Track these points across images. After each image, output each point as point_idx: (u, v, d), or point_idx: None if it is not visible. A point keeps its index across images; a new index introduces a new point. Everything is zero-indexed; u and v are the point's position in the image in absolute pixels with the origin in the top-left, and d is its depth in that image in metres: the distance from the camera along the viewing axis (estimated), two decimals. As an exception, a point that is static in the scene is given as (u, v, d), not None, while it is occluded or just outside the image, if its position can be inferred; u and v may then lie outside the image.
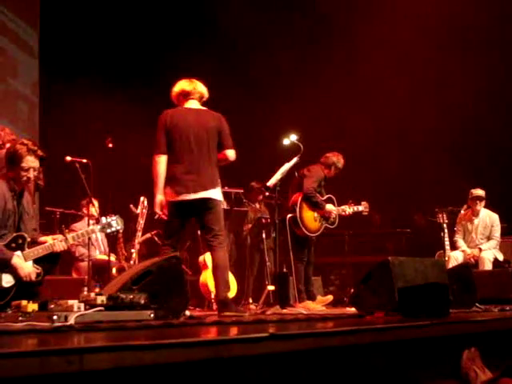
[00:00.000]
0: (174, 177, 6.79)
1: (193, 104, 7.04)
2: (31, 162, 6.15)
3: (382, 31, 12.92)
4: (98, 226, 6.71)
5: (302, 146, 8.72)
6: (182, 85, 7.08)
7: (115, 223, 6.69)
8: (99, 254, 10.05)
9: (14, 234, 6.09)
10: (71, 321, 4.91)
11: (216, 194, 6.87)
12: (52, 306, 5.22)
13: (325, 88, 12.88)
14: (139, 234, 9.75)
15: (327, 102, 12.97)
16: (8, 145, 7.78)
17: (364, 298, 6.65)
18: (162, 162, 6.82)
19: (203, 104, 7.14)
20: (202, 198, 6.77)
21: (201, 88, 7.08)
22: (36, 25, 13.58)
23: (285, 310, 8.01)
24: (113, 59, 13.18)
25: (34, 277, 6.02)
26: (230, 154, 6.97)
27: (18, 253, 6.02)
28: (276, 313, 7.72)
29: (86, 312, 5.21)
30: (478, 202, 10.72)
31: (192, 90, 7.02)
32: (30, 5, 13.61)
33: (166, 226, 7.00)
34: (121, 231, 8.49)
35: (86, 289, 8.14)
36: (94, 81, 12.40)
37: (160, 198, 6.88)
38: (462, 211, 11.01)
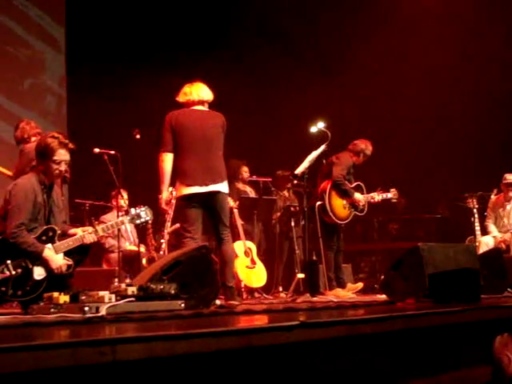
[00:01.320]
0: (184, 172, 6.93)
1: (197, 107, 7.14)
2: (63, 155, 6.16)
3: (411, 16, 12.84)
4: (128, 217, 6.72)
5: (329, 134, 8.68)
6: (183, 90, 7.20)
7: (144, 214, 6.70)
8: (129, 244, 10.09)
9: (45, 227, 6.11)
10: (103, 312, 4.94)
11: (224, 187, 7.02)
12: (83, 297, 5.25)
13: (352, 74, 12.82)
14: (168, 224, 9.77)
15: (354, 88, 12.92)
16: (33, 138, 7.84)
17: (394, 285, 6.64)
18: (168, 159, 6.99)
19: (209, 106, 7.24)
20: (211, 191, 6.90)
21: (202, 93, 7.13)
22: (62, 19, 13.64)
23: (315, 298, 8.01)
24: (139, 51, 13.18)
25: (65, 269, 6.05)
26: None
27: (49, 245, 6.05)
28: (306, 301, 7.72)
29: (117, 303, 5.23)
30: (511, 187, 10.62)
31: (194, 96, 7.12)
32: (56, 0, 13.67)
33: (182, 220, 7.09)
34: (150, 222, 8.51)
35: (116, 280, 8.19)
36: (121, 73, 12.43)
37: (166, 194, 7.13)
38: (493, 196, 10.91)
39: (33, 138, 7.84)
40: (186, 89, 7.16)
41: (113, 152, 8.60)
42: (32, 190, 6.05)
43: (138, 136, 8.82)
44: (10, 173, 7.90)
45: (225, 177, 7.01)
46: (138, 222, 6.75)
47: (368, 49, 12.80)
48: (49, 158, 6.12)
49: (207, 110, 7.15)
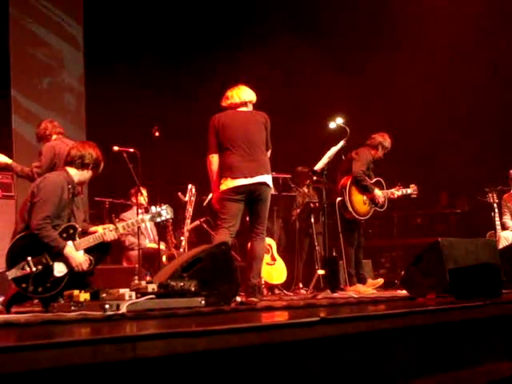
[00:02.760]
0: (231, 166, 7.04)
1: (240, 109, 7.27)
2: (100, 170, 6.55)
3: (434, 10, 12.78)
4: (148, 216, 6.74)
5: (348, 129, 8.67)
6: (226, 94, 7.33)
7: (165, 212, 6.72)
8: (149, 242, 10.11)
9: (65, 225, 6.15)
10: (123, 309, 4.95)
11: (269, 179, 7.12)
12: (104, 295, 5.26)
13: (372, 69, 12.78)
14: (188, 221, 9.79)
15: (374, 83, 12.88)
16: (54, 136, 7.88)
17: (415, 280, 6.61)
18: (214, 161, 7.14)
19: (253, 106, 7.38)
20: (257, 182, 7.00)
21: (243, 95, 7.27)
22: (80, 18, 13.69)
23: (335, 294, 7.99)
24: (157, 49, 13.21)
25: (85, 266, 6.08)
26: (268, 154, 7.33)
27: (70, 243, 6.08)
28: (327, 297, 7.72)
29: (138, 300, 5.24)
30: None
31: (235, 99, 7.26)
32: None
33: (222, 213, 7.11)
34: (170, 220, 8.55)
35: (136, 277, 8.20)
36: (139, 71, 12.47)
37: (216, 194, 7.19)
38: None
39: (53, 136, 7.88)
40: (228, 93, 7.31)
41: (132, 150, 8.63)
42: (61, 185, 6.15)
43: (156, 133, 8.84)
44: (9, 161, 7.91)
45: (269, 170, 7.12)
46: (158, 220, 6.77)
47: (389, 44, 12.76)
48: (93, 169, 6.42)
49: (250, 110, 7.28)
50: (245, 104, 7.25)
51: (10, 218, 8.53)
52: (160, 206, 6.74)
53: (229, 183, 7.02)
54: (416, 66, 12.86)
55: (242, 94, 7.25)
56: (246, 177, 6.96)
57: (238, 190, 6.99)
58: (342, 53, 13.14)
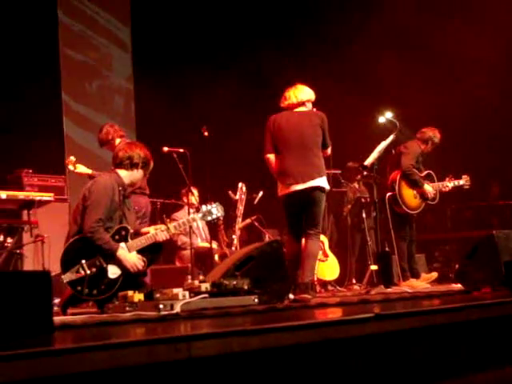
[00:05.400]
0: (283, 172, 7.13)
1: (297, 109, 7.30)
2: (150, 168, 6.59)
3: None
4: (199, 214, 6.76)
5: (397, 123, 8.61)
6: (284, 94, 7.38)
7: (215, 210, 6.74)
8: (201, 241, 10.15)
9: (118, 226, 6.20)
10: (177, 309, 4.98)
11: (322, 182, 7.11)
12: (158, 295, 5.30)
13: (421, 62, 12.67)
14: (239, 219, 9.80)
15: (422, 77, 12.76)
16: (118, 140, 7.99)
17: (470, 274, 6.56)
18: (271, 161, 7.24)
19: (313, 104, 7.40)
20: (310, 186, 7.02)
21: (301, 95, 7.31)
22: (127, 19, 13.80)
23: (389, 290, 7.95)
24: (205, 47, 13.24)
25: (140, 267, 6.12)
26: (329, 151, 7.41)
27: (122, 244, 6.12)
28: (380, 292, 7.68)
29: (191, 300, 5.27)
30: None
31: (293, 100, 7.30)
32: (121, 2, 13.84)
33: (286, 217, 7.33)
34: (221, 218, 8.56)
35: (189, 277, 8.24)
36: (187, 70, 12.50)
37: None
38: None
39: (117, 140, 7.99)
40: (286, 93, 7.35)
41: (182, 150, 8.66)
42: (111, 188, 6.19)
43: (206, 133, 8.87)
44: (89, 171, 8.06)
45: (323, 172, 7.13)
46: (209, 218, 6.79)
47: (437, 36, 12.62)
48: (143, 168, 6.45)
49: (306, 110, 7.29)
50: (302, 104, 7.27)
51: (63, 221, 8.62)
52: (210, 204, 6.75)
53: (283, 190, 7.14)
54: (466, 56, 12.70)
55: (299, 94, 7.27)
56: (298, 182, 7.02)
57: (291, 196, 7.09)
58: (388, 45, 13.03)
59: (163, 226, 6.36)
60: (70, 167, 8.10)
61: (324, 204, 7.20)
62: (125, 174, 6.37)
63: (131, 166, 6.38)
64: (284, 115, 7.26)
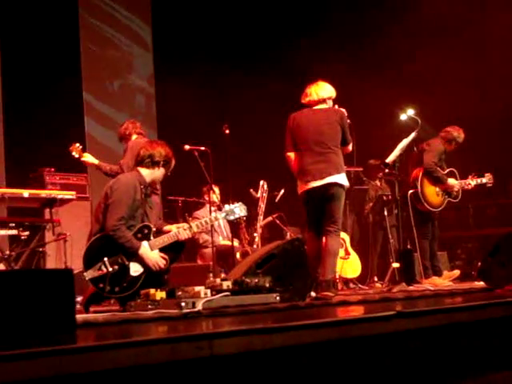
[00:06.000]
0: (302, 169, 7.15)
1: (318, 106, 7.31)
2: (172, 166, 6.59)
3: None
4: (222, 214, 6.76)
5: (419, 121, 8.58)
6: (305, 91, 7.39)
7: (238, 210, 6.74)
8: (222, 239, 10.15)
9: (140, 225, 6.22)
10: (199, 307, 4.99)
11: (341, 179, 7.11)
12: (179, 293, 5.31)
13: (440, 60, 12.61)
14: (261, 217, 9.81)
15: (443, 74, 12.70)
16: (134, 136, 8.04)
17: (492, 271, 6.53)
18: (290, 158, 7.28)
19: (333, 101, 7.42)
20: (328, 183, 7.02)
21: (322, 92, 7.32)
22: (148, 18, 13.84)
23: (411, 287, 7.93)
24: (226, 45, 13.24)
25: (162, 265, 6.13)
26: (349, 148, 7.41)
27: (145, 243, 6.14)
28: (402, 290, 7.66)
29: (213, 298, 5.29)
30: None
31: (313, 96, 7.31)
32: (142, 0, 13.87)
33: (306, 217, 7.35)
34: (244, 218, 8.59)
35: (211, 275, 8.25)
36: (209, 68, 12.51)
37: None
38: None
39: (133, 136, 8.04)
40: (307, 90, 7.36)
41: (203, 148, 8.67)
42: (133, 186, 6.21)
43: (227, 131, 8.87)
44: (96, 161, 8.09)
45: (341, 170, 7.13)
46: (231, 217, 6.80)
47: (459, 33, 12.56)
48: (164, 166, 6.47)
49: (326, 107, 7.30)
50: (323, 101, 7.27)
51: (85, 220, 8.67)
52: (233, 204, 6.76)
53: (301, 187, 7.16)
54: (488, 53, 12.64)
55: (320, 91, 7.28)
56: (315, 179, 7.02)
57: (310, 193, 7.10)
58: (409, 41, 12.98)
59: (186, 225, 6.37)
60: (74, 154, 8.10)
61: (343, 201, 7.17)
62: (146, 173, 6.38)
63: (152, 164, 6.40)
64: (303, 113, 7.28)
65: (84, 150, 8.36)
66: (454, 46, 12.40)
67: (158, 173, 6.45)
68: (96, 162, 8.09)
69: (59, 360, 2.57)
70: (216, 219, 6.94)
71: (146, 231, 6.21)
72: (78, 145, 8.12)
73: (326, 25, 13.05)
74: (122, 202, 6.09)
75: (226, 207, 6.75)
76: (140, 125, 8.34)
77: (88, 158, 8.13)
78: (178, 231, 6.29)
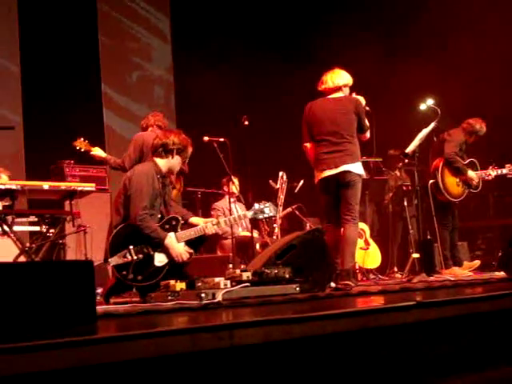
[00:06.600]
0: (318, 158, 7.17)
1: (333, 95, 7.30)
2: (189, 154, 6.53)
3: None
4: (251, 212, 6.77)
5: (439, 111, 8.54)
6: (321, 78, 7.38)
7: (268, 210, 6.73)
8: (242, 230, 10.16)
9: (168, 216, 6.26)
10: (219, 298, 5.00)
11: (356, 167, 7.10)
12: (199, 284, 5.33)
13: (462, 48, 12.52)
14: (280, 208, 9.79)
15: (463, 63, 12.62)
16: (150, 128, 8.03)
17: (513, 261, 6.50)
18: (308, 149, 7.31)
19: (350, 89, 7.40)
20: (342, 171, 7.02)
21: (337, 79, 7.31)
22: (166, 10, 13.84)
23: (431, 278, 7.90)
24: (245, 36, 13.20)
25: (185, 258, 6.14)
26: (367, 135, 7.41)
27: (171, 234, 6.16)
28: (422, 280, 7.64)
29: (233, 288, 5.29)
30: None
31: (329, 84, 7.30)
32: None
33: (323, 205, 7.37)
34: (273, 218, 8.60)
35: (231, 266, 8.26)
36: (227, 59, 12.51)
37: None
38: None
39: (150, 128, 8.03)
40: (323, 77, 7.35)
41: (222, 139, 8.67)
42: (151, 176, 6.23)
43: (246, 122, 8.86)
44: (104, 155, 8.09)
45: (356, 159, 7.12)
46: (260, 217, 6.81)
47: (478, 21, 12.47)
48: (180, 154, 6.43)
49: (340, 96, 7.28)
50: (339, 89, 7.25)
51: (105, 212, 8.71)
52: (264, 204, 6.75)
53: (317, 176, 7.17)
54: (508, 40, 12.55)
55: (336, 79, 7.26)
56: (330, 168, 7.04)
57: (325, 181, 7.11)
58: (431, 29, 12.91)
59: (214, 220, 6.41)
60: (80, 148, 8.05)
61: (359, 189, 7.13)
62: (161, 162, 6.37)
63: (166, 153, 6.38)
64: (318, 103, 7.29)
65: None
66: (475, 36, 12.32)
67: (173, 161, 6.41)
68: (104, 155, 8.09)
69: (80, 351, 2.59)
70: (245, 217, 7.00)
71: (174, 223, 6.24)
72: (82, 139, 8.10)
73: (346, 15, 13.00)
74: (143, 191, 6.11)
75: (256, 206, 6.74)
76: (162, 117, 8.32)
77: (98, 151, 8.10)
78: (205, 226, 6.31)
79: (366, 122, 7.27)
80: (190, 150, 6.50)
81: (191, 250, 6.23)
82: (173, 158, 6.39)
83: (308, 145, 7.27)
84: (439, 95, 9.14)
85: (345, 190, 7.03)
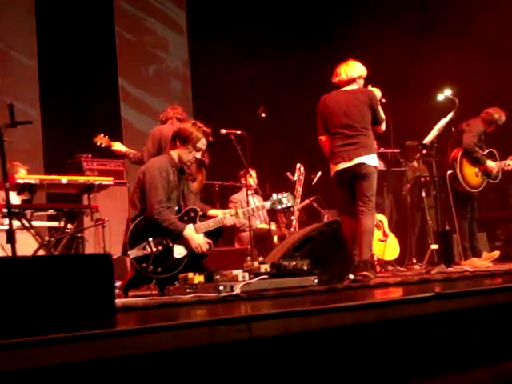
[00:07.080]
0: (333, 152, 7.18)
1: (347, 87, 7.28)
2: (203, 144, 6.42)
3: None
4: (268, 203, 6.75)
5: (457, 101, 8.49)
6: (336, 70, 7.35)
7: (286, 200, 6.72)
8: (260, 223, 10.16)
9: (187, 208, 6.26)
10: (237, 290, 5.01)
11: (370, 159, 7.09)
12: (217, 276, 5.34)
13: (480, 38, 12.45)
14: (298, 200, 9.79)
15: (481, 53, 12.55)
16: (169, 121, 8.02)
17: (532, 252, 6.48)
18: (323, 142, 7.32)
19: (365, 80, 7.39)
20: (357, 163, 7.02)
21: (351, 71, 7.28)
22: (182, 3, 13.85)
23: (450, 269, 7.88)
24: (261, 28, 13.18)
25: (205, 248, 6.16)
26: (382, 127, 7.37)
27: (190, 226, 6.17)
28: (441, 272, 7.62)
29: (251, 281, 5.30)
30: None
31: (343, 76, 7.27)
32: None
33: (339, 199, 7.40)
34: (292, 209, 8.58)
35: (249, 258, 8.27)
36: (244, 51, 12.49)
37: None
38: None
39: (169, 121, 8.03)
40: (337, 69, 7.33)
41: (239, 132, 8.68)
42: (165, 168, 6.23)
43: (263, 114, 8.86)
44: (124, 149, 8.09)
45: (371, 151, 7.11)
46: (278, 207, 6.79)
47: (501, 7, 12.38)
48: (190, 144, 6.34)
49: (354, 89, 7.26)
50: (353, 81, 7.23)
51: (123, 205, 8.74)
52: (282, 194, 6.74)
53: (333, 169, 7.18)
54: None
55: (350, 71, 7.24)
56: (345, 161, 7.04)
57: (340, 174, 7.12)
58: (450, 20, 12.84)
59: (232, 211, 6.41)
60: (101, 144, 8.05)
61: (375, 180, 7.11)
62: (176, 154, 6.37)
63: (176, 143, 6.38)
64: (332, 95, 7.27)
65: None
66: (493, 25, 12.24)
67: (187, 152, 6.38)
68: (124, 149, 8.09)
69: (100, 344, 2.60)
70: (263, 207, 6.98)
71: (193, 214, 6.25)
72: (102, 135, 8.10)
73: (361, 9, 12.95)
74: (157, 185, 6.12)
75: (274, 196, 6.72)
76: (181, 110, 8.32)
77: (118, 146, 8.11)
78: (224, 217, 6.32)
79: (382, 114, 7.24)
80: (202, 140, 6.38)
81: (210, 241, 6.25)
82: (187, 148, 6.35)
83: (323, 138, 7.27)
84: (457, 85, 9.10)
85: (360, 182, 7.03)
